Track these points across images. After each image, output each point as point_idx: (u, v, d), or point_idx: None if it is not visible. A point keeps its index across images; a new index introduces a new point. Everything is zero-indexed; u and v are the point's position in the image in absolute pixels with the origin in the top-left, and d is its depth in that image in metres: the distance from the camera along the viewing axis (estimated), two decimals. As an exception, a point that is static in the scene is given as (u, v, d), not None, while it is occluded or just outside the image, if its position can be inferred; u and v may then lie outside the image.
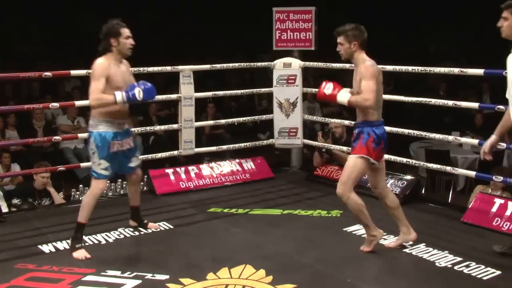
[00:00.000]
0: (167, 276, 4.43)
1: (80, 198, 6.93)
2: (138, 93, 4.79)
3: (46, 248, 5.17)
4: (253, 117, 8.05)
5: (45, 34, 14.75)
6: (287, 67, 7.53)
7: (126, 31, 4.95)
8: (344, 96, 4.66)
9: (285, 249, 5.05)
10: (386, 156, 5.33)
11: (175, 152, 7.09)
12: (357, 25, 4.80)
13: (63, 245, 5.22)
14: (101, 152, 4.91)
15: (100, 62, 4.84)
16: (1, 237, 5.41)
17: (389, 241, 5.14)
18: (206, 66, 7.21)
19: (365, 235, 5.02)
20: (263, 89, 8.06)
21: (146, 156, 7.04)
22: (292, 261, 4.79)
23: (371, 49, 4.76)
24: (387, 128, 5.11)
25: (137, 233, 5.54)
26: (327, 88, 4.72)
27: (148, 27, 14.57)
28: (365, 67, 4.66)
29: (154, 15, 15.32)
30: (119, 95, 4.75)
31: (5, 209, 6.50)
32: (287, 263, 4.73)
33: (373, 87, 4.61)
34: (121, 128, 5.02)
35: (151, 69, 6.73)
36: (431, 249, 5.03)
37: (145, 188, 7.03)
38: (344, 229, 5.56)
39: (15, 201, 6.87)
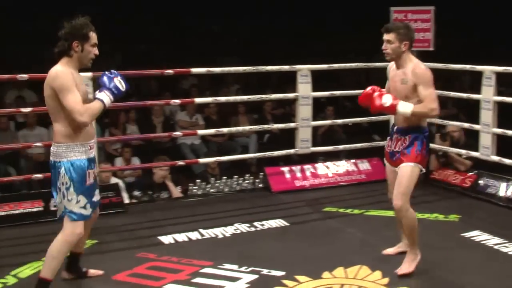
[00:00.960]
0: (283, 273, 4.48)
1: (199, 192, 7.13)
2: (119, 83, 4.06)
3: (166, 239, 5.35)
4: (370, 117, 7.97)
5: (164, 34, 15.17)
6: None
7: (94, 37, 4.03)
8: (405, 106, 4.26)
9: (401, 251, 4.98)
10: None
11: (292, 151, 7.13)
12: (408, 23, 4.58)
13: (181, 237, 5.39)
14: (78, 186, 3.96)
15: (64, 71, 3.89)
16: (124, 227, 5.64)
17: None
18: (324, 66, 7.21)
19: (484, 242, 4.88)
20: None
21: (262, 154, 7.13)
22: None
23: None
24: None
25: (253, 229, 5.63)
26: (385, 98, 4.30)
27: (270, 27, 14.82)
28: (422, 72, 4.32)
29: (275, 17, 15.50)
30: (104, 96, 4.00)
31: (126, 200, 6.76)
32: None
33: (435, 94, 4.30)
34: (91, 153, 4.10)
35: (269, 68, 6.82)
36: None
37: (260, 185, 7.14)
38: (462, 234, 5.43)
39: (136, 193, 7.13)
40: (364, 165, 7.43)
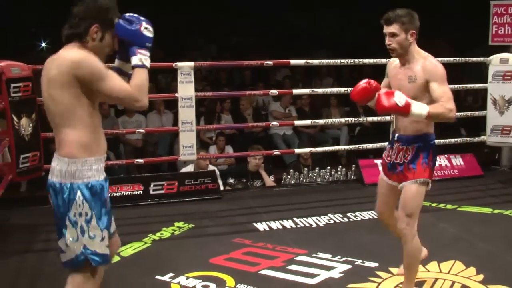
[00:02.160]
0: (376, 264, 4.54)
1: (292, 182, 7.25)
2: (148, 30, 2.96)
3: (261, 226, 5.50)
4: (465, 113, 7.88)
5: (255, 26, 15.37)
6: (504, 63, 7.28)
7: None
8: (420, 107, 3.47)
9: (496, 249, 4.93)
10: None
11: (385, 144, 7.12)
12: (409, 10, 3.71)
13: (276, 225, 5.52)
14: (101, 217, 2.93)
15: (87, 53, 2.84)
16: (220, 213, 5.82)
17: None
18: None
19: None
20: (477, 85, 7.86)
21: (356, 146, 7.20)
22: (504, 261, 4.66)
23: None
24: None
25: (346, 219, 5.72)
26: (398, 97, 3.44)
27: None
28: (435, 66, 3.64)
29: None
30: (144, 58, 2.93)
31: (221, 187, 6.95)
32: (499, 263, 4.62)
33: (450, 92, 3.61)
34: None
35: (366, 61, 6.86)
36: None
37: (352, 177, 7.20)
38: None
39: (230, 180, 7.31)
40: (457, 160, 7.37)
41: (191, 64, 6.04)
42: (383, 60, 6.87)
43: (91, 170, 2.88)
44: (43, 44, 14.41)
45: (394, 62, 3.87)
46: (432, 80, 3.60)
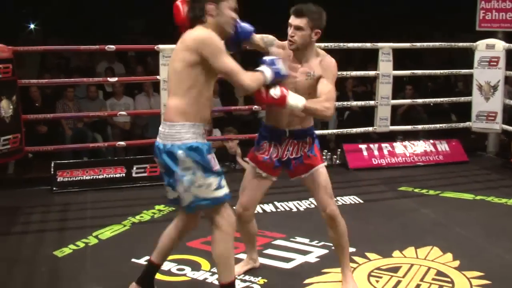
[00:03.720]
0: (353, 249, 4.51)
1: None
2: (282, 66, 3.42)
3: (242, 210, 5.47)
4: (450, 98, 7.87)
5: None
6: (490, 49, 7.28)
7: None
8: (296, 99, 3.41)
9: (474, 235, 4.94)
10: None
11: (370, 129, 7.14)
12: (320, 8, 3.61)
13: (256, 209, 5.48)
14: (206, 165, 3.25)
15: (212, 33, 3.21)
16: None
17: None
18: (406, 44, 7.18)
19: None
20: (462, 71, 7.84)
21: (341, 130, 7.20)
22: (481, 248, 4.68)
23: None
24: None
25: (326, 204, 5.69)
26: (273, 90, 3.37)
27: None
28: (332, 65, 3.64)
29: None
30: (267, 70, 3.34)
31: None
32: (476, 250, 4.64)
33: (335, 93, 3.65)
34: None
35: (350, 45, 6.84)
36: None
37: (337, 161, 7.20)
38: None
39: (214, 164, 7.27)
40: (443, 146, 7.38)
41: (173, 46, 5.96)
42: (368, 45, 6.89)
43: (189, 132, 3.22)
44: (32, 26, 14.37)
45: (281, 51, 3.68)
46: (324, 75, 3.59)
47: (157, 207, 5.53)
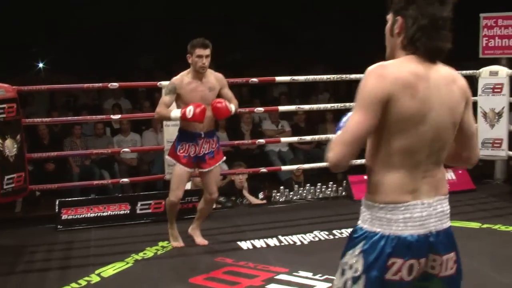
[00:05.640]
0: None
1: (282, 199, 7.23)
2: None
3: (244, 244, 5.47)
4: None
5: (257, 42, 15.40)
6: (493, 75, 7.26)
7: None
8: (177, 112, 4.92)
9: (481, 265, 4.85)
10: None
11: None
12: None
13: (260, 243, 5.49)
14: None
15: None
16: (205, 231, 5.76)
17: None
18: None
19: None
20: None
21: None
22: (489, 278, 4.61)
23: None
24: None
25: (331, 237, 5.67)
26: (189, 110, 4.79)
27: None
28: (222, 76, 5.15)
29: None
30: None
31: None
32: (483, 280, 4.55)
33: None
34: None
35: (353, 76, 6.86)
36: None
37: (343, 193, 7.17)
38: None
39: (220, 198, 7.28)
40: (449, 175, 7.30)
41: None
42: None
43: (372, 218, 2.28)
44: (41, 65, 14.52)
45: (183, 80, 5.00)
46: (223, 85, 5.11)
47: (160, 243, 5.51)
